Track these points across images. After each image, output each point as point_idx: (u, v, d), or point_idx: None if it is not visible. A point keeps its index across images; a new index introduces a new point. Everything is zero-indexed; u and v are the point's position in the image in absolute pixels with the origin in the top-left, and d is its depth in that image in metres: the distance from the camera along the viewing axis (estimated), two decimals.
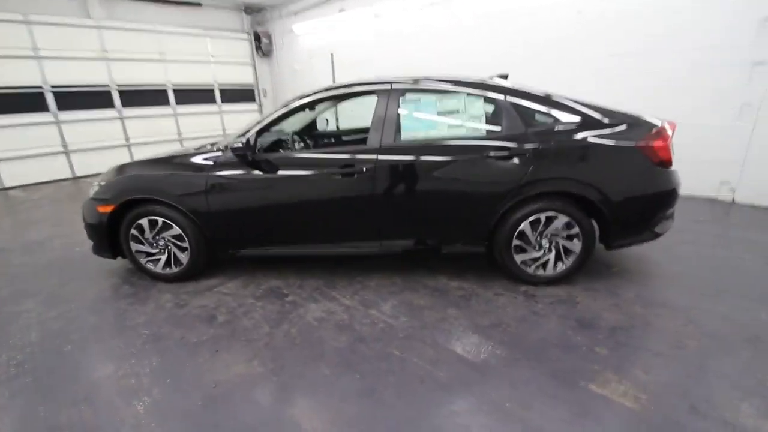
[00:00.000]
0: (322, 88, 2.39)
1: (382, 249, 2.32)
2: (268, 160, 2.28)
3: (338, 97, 2.46)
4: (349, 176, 2.17)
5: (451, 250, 2.29)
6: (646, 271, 2.40)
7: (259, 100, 8.72)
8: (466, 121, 2.20)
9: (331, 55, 7.08)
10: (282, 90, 8.55)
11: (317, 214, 2.29)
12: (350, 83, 2.36)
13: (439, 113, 2.24)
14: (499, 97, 2.15)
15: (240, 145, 2.20)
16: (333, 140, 3.70)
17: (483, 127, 2.20)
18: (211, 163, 2.32)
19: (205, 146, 2.58)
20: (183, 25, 7.32)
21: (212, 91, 7.94)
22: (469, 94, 2.19)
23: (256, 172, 2.26)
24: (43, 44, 5.90)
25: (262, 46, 8.30)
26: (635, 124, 2.07)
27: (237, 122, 8.07)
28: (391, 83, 2.25)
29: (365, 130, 2.30)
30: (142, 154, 6.88)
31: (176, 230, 2.39)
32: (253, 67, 8.55)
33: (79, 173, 6.49)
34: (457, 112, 2.22)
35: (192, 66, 7.55)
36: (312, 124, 3.95)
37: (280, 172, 2.25)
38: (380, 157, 2.14)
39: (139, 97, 6.98)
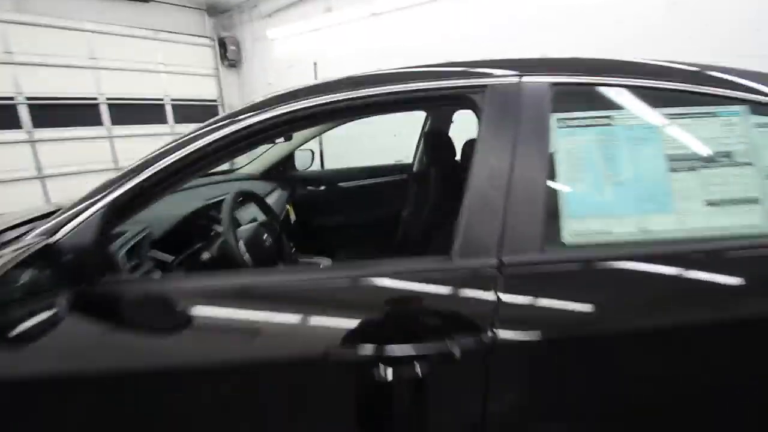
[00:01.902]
0: (307, 88, 0.94)
1: None
2: (148, 297, 0.81)
3: (350, 110, 0.96)
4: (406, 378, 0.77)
5: None
6: None
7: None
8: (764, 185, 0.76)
9: (315, 64, 5.68)
10: None
11: None
12: (382, 74, 0.97)
13: (672, 160, 0.79)
14: None
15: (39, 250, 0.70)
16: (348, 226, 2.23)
17: None
18: None
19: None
20: (123, 24, 5.73)
21: (161, 106, 6.29)
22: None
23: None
24: None
25: (228, 54, 6.81)
26: None
27: None
28: (519, 70, 0.84)
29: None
30: (61, 188, 5.19)
31: None
32: (217, 78, 7.01)
33: None
34: (730, 158, 0.77)
35: (134, 75, 5.93)
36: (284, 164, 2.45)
37: (190, 335, 0.79)
38: (505, 309, 0.77)
39: (59, 113, 5.26)
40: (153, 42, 6.09)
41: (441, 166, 2.05)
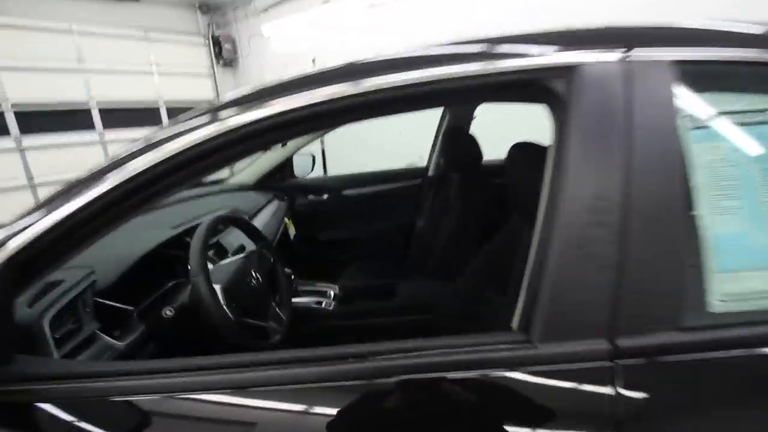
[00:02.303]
0: (301, 79, 0.64)
1: None
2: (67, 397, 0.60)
3: (365, 108, 0.65)
4: None
5: None
6: None
7: None
8: None
9: (313, 61, 5.39)
10: None
11: None
12: (408, 57, 0.66)
13: None
14: None
15: None
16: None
17: None
18: None
19: None
20: (111, 24, 5.45)
21: (156, 110, 6.02)
22: None
23: None
24: None
25: (223, 53, 6.52)
26: None
27: None
28: (624, 44, 0.56)
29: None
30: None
31: None
32: (213, 79, 6.71)
33: None
34: None
35: (126, 78, 5.65)
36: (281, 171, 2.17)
37: None
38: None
39: (48, 119, 5.00)
40: (144, 42, 5.81)
41: (463, 170, 1.75)
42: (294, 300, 1.52)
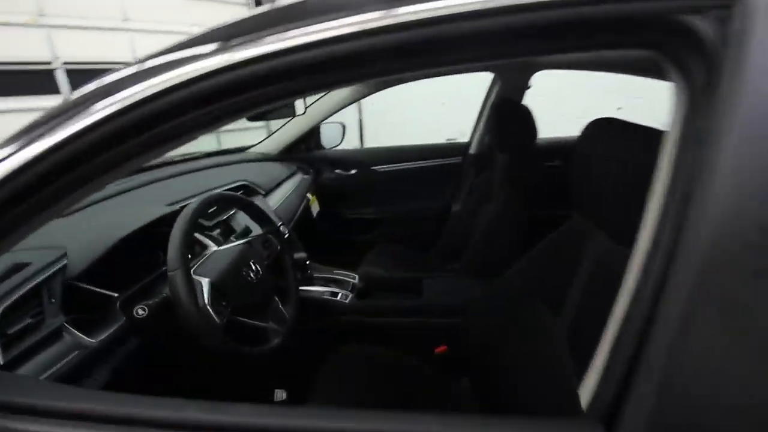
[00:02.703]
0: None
1: None
2: None
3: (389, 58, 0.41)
4: None
5: None
6: None
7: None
8: None
9: None
10: None
11: None
12: None
13: None
14: None
15: None
16: None
17: None
18: None
19: None
20: None
21: None
22: None
23: None
24: None
25: None
26: None
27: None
28: None
29: None
30: None
31: None
32: None
33: None
34: None
35: (167, 38, 5.58)
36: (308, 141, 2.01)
37: None
38: None
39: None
40: (187, 3, 5.72)
41: (512, 149, 1.47)
42: (307, 288, 1.38)
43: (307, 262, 1.37)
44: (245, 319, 0.90)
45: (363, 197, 2.16)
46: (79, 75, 4.90)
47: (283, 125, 2.02)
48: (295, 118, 1.98)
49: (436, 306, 1.28)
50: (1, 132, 0.57)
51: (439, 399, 1.06)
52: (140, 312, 0.75)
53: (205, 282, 0.83)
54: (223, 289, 0.85)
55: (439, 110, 4.04)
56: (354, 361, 1.11)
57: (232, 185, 1.42)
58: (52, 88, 4.68)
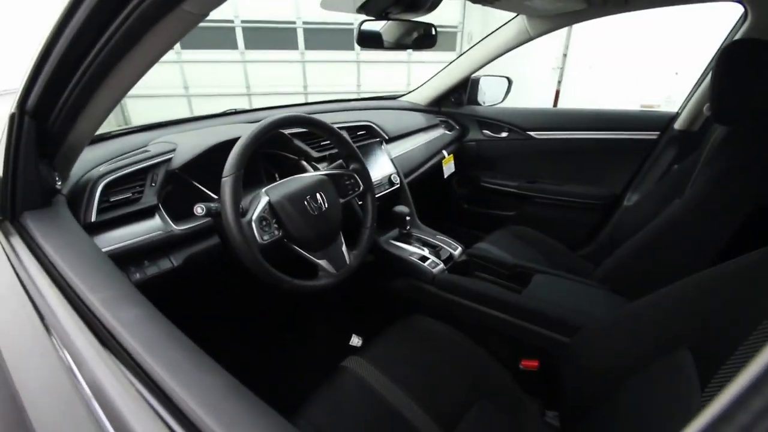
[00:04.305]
0: None
1: None
2: None
3: None
4: None
5: None
6: None
7: (460, 49, 6.54)
8: None
9: None
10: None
11: None
12: None
13: None
14: None
15: None
16: None
17: None
18: None
19: None
20: None
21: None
22: None
23: None
24: None
25: None
26: None
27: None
28: None
29: None
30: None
31: None
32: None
33: None
34: None
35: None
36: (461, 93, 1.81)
37: None
38: None
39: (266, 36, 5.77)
40: None
41: (743, 118, 0.92)
42: (397, 244, 1.25)
43: (407, 218, 1.24)
44: (298, 249, 0.85)
45: (510, 166, 1.83)
46: None
47: (437, 74, 1.86)
48: (449, 68, 1.79)
49: (542, 312, 0.97)
50: None
51: (506, 419, 0.81)
52: (199, 211, 0.79)
53: (263, 200, 0.81)
54: (280, 212, 0.82)
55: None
56: (418, 336, 0.96)
57: (354, 124, 1.38)
58: None
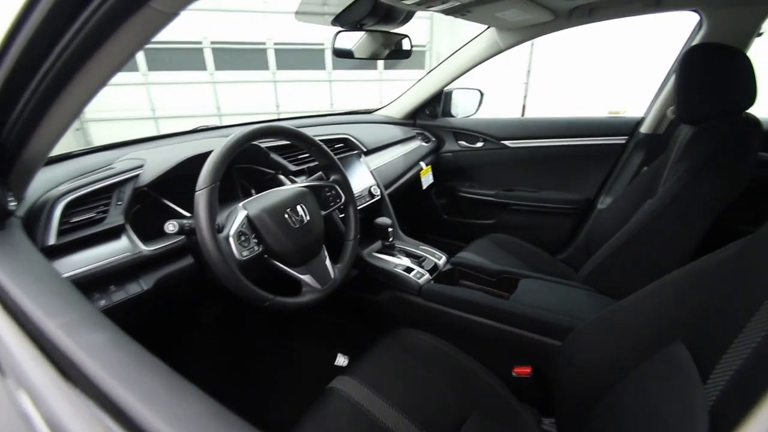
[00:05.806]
0: None
1: None
2: None
3: None
4: None
5: None
6: None
7: (429, 66, 6.73)
8: None
9: None
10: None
11: None
12: None
13: None
14: None
15: None
16: None
17: None
18: None
19: None
20: None
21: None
22: None
23: None
24: None
25: None
26: None
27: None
28: None
29: None
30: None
31: None
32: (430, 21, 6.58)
33: None
34: None
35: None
36: (434, 107, 1.83)
37: None
38: None
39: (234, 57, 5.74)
40: None
41: (706, 118, 0.97)
42: (380, 257, 1.23)
43: (390, 230, 1.22)
44: (279, 264, 0.81)
45: (487, 176, 1.86)
46: None
47: (410, 88, 1.88)
48: (422, 82, 1.82)
49: (532, 317, 0.96)
50: None
51: (502, 429, 0.79)
52: (170, 228, 0.74)
53: (241, 214, 0.77)
54: (259, 226, 0.79)
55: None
56: (407, 350, 0.93)
57: (331, 137, 1.36)
58: None
